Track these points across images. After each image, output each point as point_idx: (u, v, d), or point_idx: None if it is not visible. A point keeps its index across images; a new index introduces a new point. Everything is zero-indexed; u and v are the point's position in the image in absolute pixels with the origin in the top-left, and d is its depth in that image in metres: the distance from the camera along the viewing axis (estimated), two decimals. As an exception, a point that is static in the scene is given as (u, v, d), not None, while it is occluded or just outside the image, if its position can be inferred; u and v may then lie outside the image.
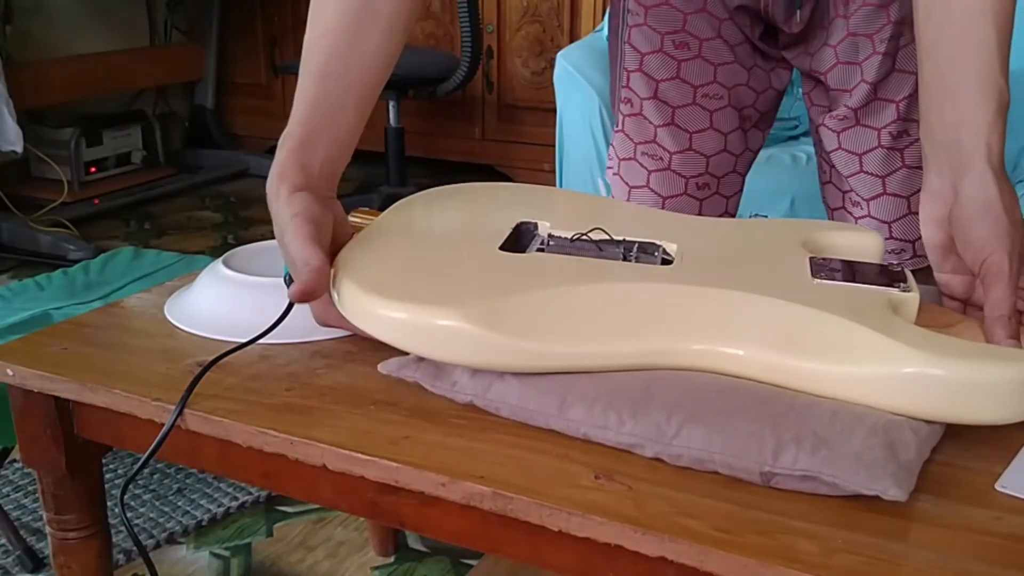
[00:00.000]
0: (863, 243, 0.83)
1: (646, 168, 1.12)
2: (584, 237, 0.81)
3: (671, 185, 1.11)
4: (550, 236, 0.82)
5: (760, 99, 1.12)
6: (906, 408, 0.65)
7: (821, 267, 0.76)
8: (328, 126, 0.80)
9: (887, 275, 0.75)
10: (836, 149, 1.07)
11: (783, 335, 0.69)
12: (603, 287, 0.72)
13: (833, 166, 1.09)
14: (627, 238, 0.81)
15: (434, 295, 0.71)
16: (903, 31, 1.00)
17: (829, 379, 0.67)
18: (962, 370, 0.63)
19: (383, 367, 0.76)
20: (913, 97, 1.01)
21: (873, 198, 1.06)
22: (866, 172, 1.05)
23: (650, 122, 1.11)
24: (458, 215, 0.89)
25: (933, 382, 0.64)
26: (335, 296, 0.75)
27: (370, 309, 0.71)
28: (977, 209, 0.74)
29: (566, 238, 0.82)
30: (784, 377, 0.69)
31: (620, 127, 1.14)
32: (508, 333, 0.69)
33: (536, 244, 0.81)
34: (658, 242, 0.80)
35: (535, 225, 0.84)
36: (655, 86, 1.09)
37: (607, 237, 0.81)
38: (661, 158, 1.11)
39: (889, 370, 0.65)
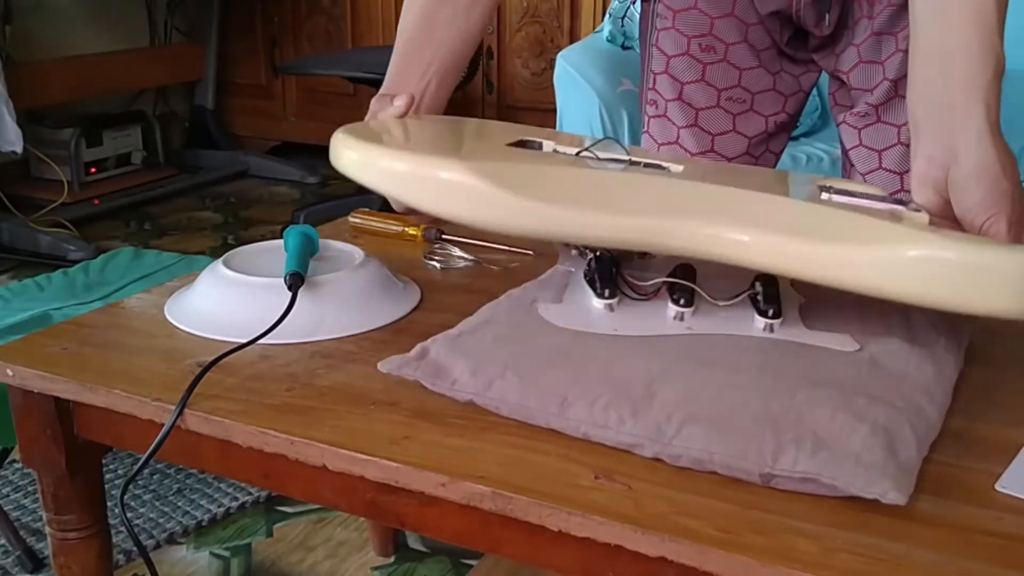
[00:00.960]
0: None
1: None
2: (590, 152, 0.80)
3: None
4: (555, 150, 0.82)
5: (789, 102, 1.14)
6: (913, 293, 0.64)
7: (830, 189, 0.77)
8: (410, 84, 0.96)
9: (897, 200, 0.76)
10: (856, 146, 1.08)
11: (789, 222, 0.68)
12: (612, 173, 0.71)
13: (853, 164, 1.10)
14: (634, 158, 0.81)
15: (439, 152, 0.70)
16: None
17: (836, 263, 0.66)
18: (971, 254, 0.62)
19: (383, 365, 0.76)
20: None
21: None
22: (885, 168, 1.06)
23: (673, 123, 1.13)
24: (470, 127, 0.90)
25: (942, 265, 0.63)
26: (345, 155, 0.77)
27: (374, 160, 0.70)
28: (974, 171, 0.73)
29: (571, 153, 0.82)
30: (790, 262, 0.67)
31: (646, 128, 1.16)
32: (510, 190, 0.67)
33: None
34: (665, 164, 0.80)
35: (540, 143, 0.85)
36: (680, 88, 1.11)
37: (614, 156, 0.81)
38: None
39: (897, 253, 0.63)
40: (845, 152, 1.11)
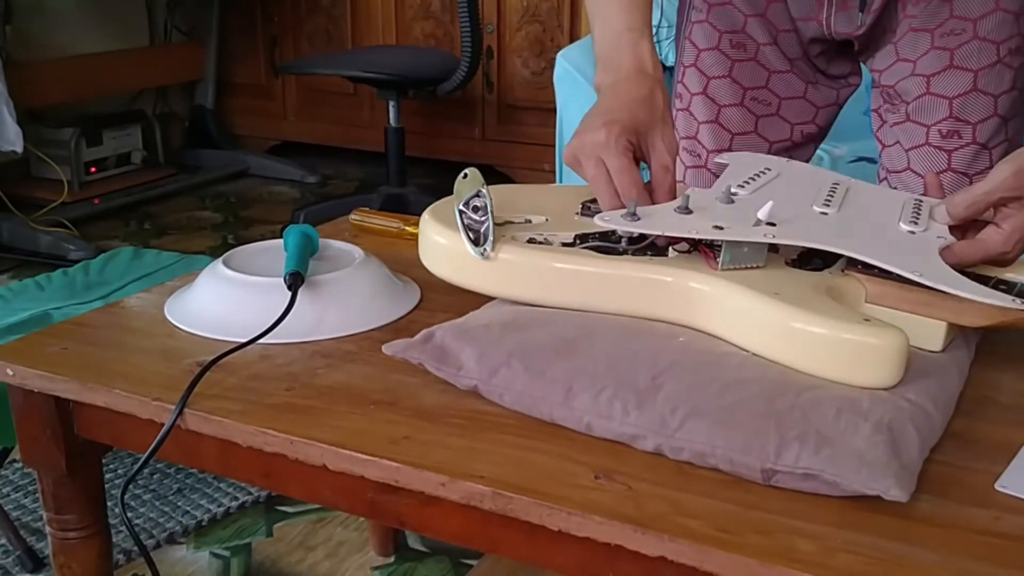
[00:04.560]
0: None
1: (684, 164, 1.12)
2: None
3: (704, 183, 1.10)
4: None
5: (820, 114, 1.11)
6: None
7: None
8: None
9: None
10: (893, 144, 1.06)
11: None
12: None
13: (885, 166, 1.08)
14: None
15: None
16: (965, 27, 0.99)
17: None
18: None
19: (388, 348, 0.77)
20: (968, 96, 1.00)
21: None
22: (912, 170, 1.04)
23: (695, 118, 1.11)
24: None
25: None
26: None
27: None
28: None
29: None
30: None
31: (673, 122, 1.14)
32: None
33: None
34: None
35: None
36: (706, 82, 1.09)
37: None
38: (699, 155, 1.11)
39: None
40: (882, 154, 1.09)
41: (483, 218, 0.80)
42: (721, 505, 0.60)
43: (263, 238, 0.96)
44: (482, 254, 0.79)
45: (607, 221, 0.79)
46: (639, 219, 0.78)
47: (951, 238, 0.77)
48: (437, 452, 0.67)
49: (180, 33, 3.79)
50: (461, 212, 0.81)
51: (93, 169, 3.27)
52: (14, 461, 1.67)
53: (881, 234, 0.79)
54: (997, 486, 0.62)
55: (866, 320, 0.70)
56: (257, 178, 3.64)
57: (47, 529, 0.88)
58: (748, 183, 0.86)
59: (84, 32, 3.42)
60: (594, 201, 0.88)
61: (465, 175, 0.85)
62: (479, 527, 0.66)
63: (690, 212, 0.79)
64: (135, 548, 1.43)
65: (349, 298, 0.89)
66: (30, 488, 1.63)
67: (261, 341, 0.81)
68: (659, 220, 0.79)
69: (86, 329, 0.88)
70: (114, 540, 0.94)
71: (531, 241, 0.82)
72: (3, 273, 2.68)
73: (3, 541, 1.47)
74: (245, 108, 3.94)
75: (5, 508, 1.48)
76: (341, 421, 0.71)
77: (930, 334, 0.75)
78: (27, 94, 2.88)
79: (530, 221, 0.85)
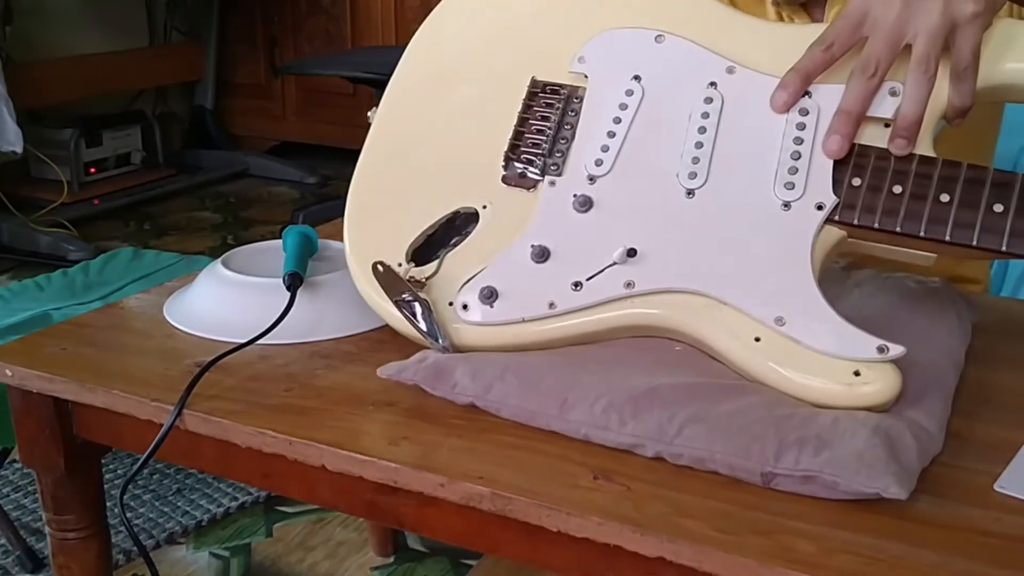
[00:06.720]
0: None
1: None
2: None
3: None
4: None
5: None
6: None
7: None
8: None
9: None
10: None
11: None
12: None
13: None
14: None
15: None
16: None
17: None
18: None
19: (382, 371, 0.76)
20: None
21: None
22: None
23: None
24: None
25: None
26: None
27: None
28: None
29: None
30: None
31: None
32: None
33: None
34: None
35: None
36: None
37: None
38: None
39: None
40: None
41: (423, 311, 0.76)
42: (720, 506, 0.60)
43: (263, 238, 0.96)
44: (445, 349, 0.76)
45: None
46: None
47: (832, 197, 0.72)
48: (436, 452, 0.67)
49: (180, 33, 3.79)
50: (399, 307, 0.77)
51: (93, 169, 3.27)
52: (14, 461, 1.67)
53: (748, 240, 0.73)
54: (996, 486, 0.62)
55: (855, 374, 0.68)
56: (257, 178, 3.64)
57: (46, 529, 0.88)
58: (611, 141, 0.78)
59: (84, 32, 3.42)
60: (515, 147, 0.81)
61: (377, 267, 0.79)
62: (478, 528, 0.66)
63: (545, 260, 0.76)
64: (135, 548, 1.43)
65: (348, 299, 0.88)
66: (30, 488, 1.63)
67: (260, 342, 0.80)
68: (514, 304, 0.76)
69: (85, 330, 0.88)
70: (114, 540, 0.94)
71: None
72: (3, 273, 2.68)
73: (3, 541, 1.47)
74: (245, 108, 3.94)
75: (5, 508, 1.48)
76: (340, 422, 0.71)
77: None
78: (27, 94, 2.88)
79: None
